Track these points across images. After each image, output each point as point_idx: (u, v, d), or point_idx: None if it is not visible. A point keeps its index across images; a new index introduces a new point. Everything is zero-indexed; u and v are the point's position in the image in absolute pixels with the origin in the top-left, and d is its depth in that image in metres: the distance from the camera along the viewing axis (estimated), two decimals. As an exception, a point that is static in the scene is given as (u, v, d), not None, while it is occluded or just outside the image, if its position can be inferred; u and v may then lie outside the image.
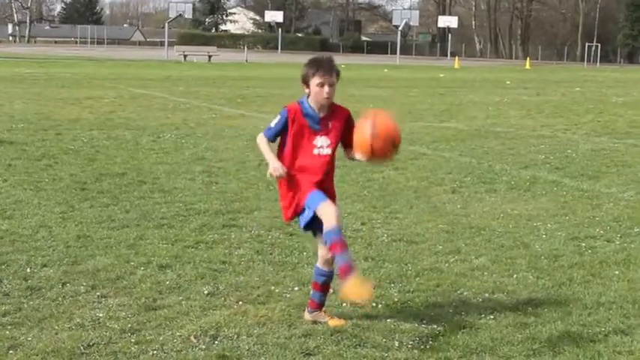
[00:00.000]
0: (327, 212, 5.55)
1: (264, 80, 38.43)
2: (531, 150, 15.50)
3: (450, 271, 7.25)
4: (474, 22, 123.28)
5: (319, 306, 5.96)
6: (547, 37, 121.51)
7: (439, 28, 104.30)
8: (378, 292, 6.57)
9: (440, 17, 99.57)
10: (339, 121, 5.80)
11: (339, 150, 5.92)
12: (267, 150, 5.78)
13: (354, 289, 5.39)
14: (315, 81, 5.65)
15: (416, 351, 5.45)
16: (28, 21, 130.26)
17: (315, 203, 5.63)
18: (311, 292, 6.04)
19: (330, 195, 5.81)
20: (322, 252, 5.83)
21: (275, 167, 5.66)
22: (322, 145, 5.76)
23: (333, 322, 5.84)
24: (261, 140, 5.79)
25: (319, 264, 5.89)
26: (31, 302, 6.19)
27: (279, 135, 5.79)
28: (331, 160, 5.82)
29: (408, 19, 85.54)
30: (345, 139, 5.82)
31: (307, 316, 5.98)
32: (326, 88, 5.64)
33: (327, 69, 5.66)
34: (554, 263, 7.61)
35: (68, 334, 5.57)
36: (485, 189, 11.29)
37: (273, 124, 5.78)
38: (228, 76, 41.13)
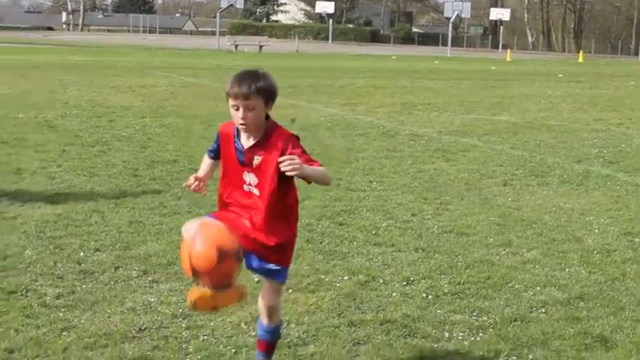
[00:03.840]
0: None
1: (314, 70, 38.47)
2: (584, 144, 15.32)
3: (501, 264, 7.19)
4: (526, 15, 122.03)
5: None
6: (600, 30, 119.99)
7: (491, 20, 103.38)
8: (429, 284, 6.56)
9: (492, 9, 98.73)
10: (270, 154, 4.33)
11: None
12: (201, 166, 4.81)
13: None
14: (229, 102, 4.41)
15: (466, 343, 5.42)
16: (81, 9, 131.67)
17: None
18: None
19: (269, 256, 4.65)
20: (260, 303, 4.84)
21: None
22: (250, 182, 4.44)
23: None
24: (204, 157, 4.82)
25: (260, 315, 4.85)
26: (84, 286, 6.27)
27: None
28: (267, 206, 4.39)
29: (459, 11, 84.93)
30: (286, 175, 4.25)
31: None
32: (240, 113, 4.34)
33: (240, 88, 4.33)
34: (607, 258, 7.52)
35: (120, 317, 5.63)
36: (537, 182, 11.18)
37: (213, 143, 4.69)
38: (278, 66, 41.16)
